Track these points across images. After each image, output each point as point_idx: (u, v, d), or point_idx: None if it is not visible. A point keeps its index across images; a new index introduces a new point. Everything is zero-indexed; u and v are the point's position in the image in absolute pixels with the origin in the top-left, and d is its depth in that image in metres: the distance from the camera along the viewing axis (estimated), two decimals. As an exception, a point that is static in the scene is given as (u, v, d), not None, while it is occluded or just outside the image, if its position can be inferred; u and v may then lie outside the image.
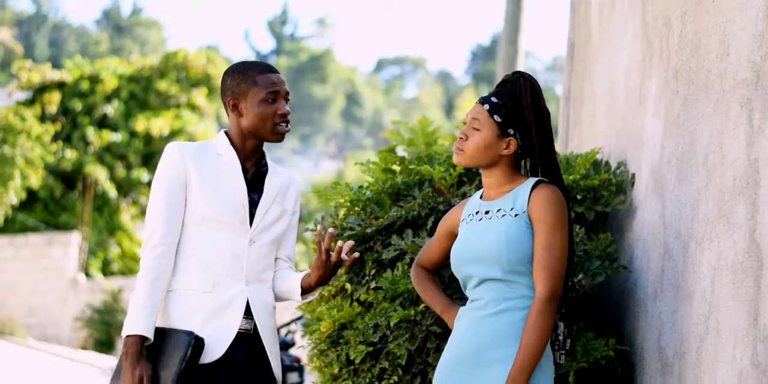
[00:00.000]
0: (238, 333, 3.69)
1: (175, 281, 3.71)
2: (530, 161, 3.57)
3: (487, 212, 3.54)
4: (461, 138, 3.55)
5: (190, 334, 3.60)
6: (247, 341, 3.72)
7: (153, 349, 3.62)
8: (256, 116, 3.77)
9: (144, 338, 3.58)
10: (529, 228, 3.45)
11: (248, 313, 3.72)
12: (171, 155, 3.78)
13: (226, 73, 3.88)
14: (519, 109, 3.52)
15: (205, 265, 3.71)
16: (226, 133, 3.86)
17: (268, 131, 3.79)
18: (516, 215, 3.46)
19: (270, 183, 3.86)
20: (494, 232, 3.46)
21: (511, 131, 3.51)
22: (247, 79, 3.80)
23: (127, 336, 3.58)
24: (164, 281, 3.67)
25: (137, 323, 3.57)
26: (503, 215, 3.48)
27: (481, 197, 3.63)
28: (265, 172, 3.88)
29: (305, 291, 3.83)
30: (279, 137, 3.82)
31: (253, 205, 3.80)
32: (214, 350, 3.64)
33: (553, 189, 3.47)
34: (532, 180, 3.51)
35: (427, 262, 3.79)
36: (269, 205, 3.82)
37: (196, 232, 3.74)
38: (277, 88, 3.79)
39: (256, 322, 3.72)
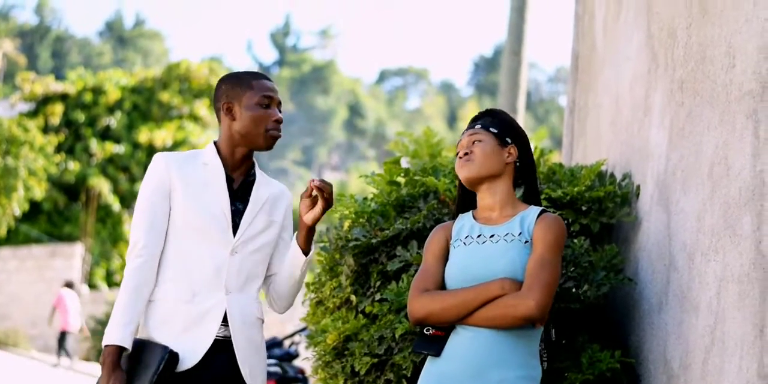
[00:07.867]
0: (217, 341, 3.70)
1: (156, 291, 3.73)
2: (524, 179, 3.70)
3: (492, 235, 3.57)
4: (466, 153, 3.61)
5: (165, 348, 3.63)
6: (226, 349, 3.73)
7: (132, 359, 3.66)
8: (250, 119, 3.80)
9: (121, 348, 3.62)
10: None
11: (226, 322, 3.73)
12: (156, 165, 3.81)
13: (221, 80, 3.93)
14: (508, 123, 3.68)
15: (185, 274, 3.73)
16: (215, 143, 3.89)
17: (260, 135, 3.80)
18: (525, 242, 3.52)
19: (257, 192, 3.86)
20: (508, 257, 3.49)
21: (509, 140, 3.64)
22: (243, 83, 3.85)
23: (106, 346, 3.62)
24: (145, 291, 3.70)
25: (115, 333, 3.62)
26: (512, 240, 3.53)
27: (474, 219, 3.65)
28: (253, 181, 3.89)
29: (305, 250, 3.83)
30: (270, 142, 3.84)
31: (237, 214, 3.80)
32: (189, 359, 3.66)
33: (558, 218, 3.56)
34: (537, 208, 3.61)
35: (433, 285, 3.58)
36: (255, 214, 3.83)
37: (178, 241, 3.75)
38: (272, 93, 3.85)
39: (231, 332, 3.72)
